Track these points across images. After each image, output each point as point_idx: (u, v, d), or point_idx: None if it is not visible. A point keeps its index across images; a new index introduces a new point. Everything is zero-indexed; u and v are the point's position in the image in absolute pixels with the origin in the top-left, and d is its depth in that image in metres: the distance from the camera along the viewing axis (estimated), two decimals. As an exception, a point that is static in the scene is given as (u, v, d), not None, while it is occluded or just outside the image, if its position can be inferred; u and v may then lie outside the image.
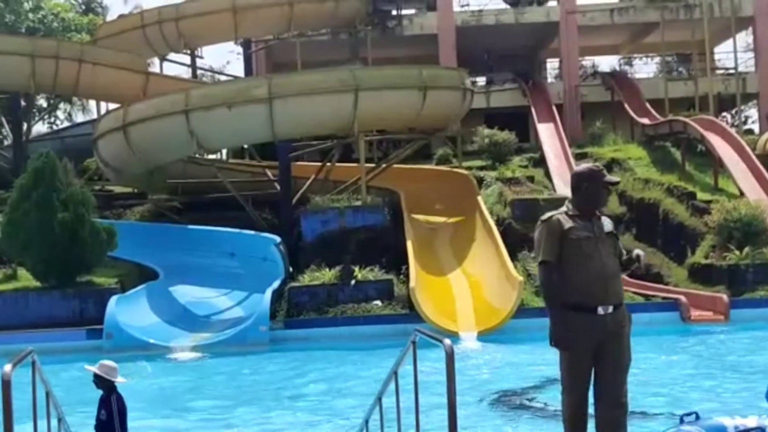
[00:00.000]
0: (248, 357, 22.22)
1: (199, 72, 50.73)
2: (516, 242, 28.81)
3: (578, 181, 8.13)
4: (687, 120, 38.24)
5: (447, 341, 6.73)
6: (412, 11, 52.96)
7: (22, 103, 42.92)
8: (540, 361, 19.12)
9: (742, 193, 31.88)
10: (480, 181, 34.91)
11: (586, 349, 7.77)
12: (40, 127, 51.15)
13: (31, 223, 26.73)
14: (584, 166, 8.51)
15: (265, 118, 30.29)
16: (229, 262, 29.63)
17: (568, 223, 7.90)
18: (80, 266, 27.55)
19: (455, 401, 6.47)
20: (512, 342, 22.37)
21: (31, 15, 49.41)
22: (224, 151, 40.64)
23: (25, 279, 28.48)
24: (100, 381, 9.45)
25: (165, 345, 23.43)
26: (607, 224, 8.12)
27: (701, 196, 32.76)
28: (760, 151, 36.06)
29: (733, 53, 47.57)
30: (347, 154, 36.29)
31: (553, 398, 14.62)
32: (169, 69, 52.09)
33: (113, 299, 24.77)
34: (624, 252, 8.16)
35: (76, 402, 16.07)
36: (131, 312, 24.72)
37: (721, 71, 54.24)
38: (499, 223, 30.00)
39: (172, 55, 47.92)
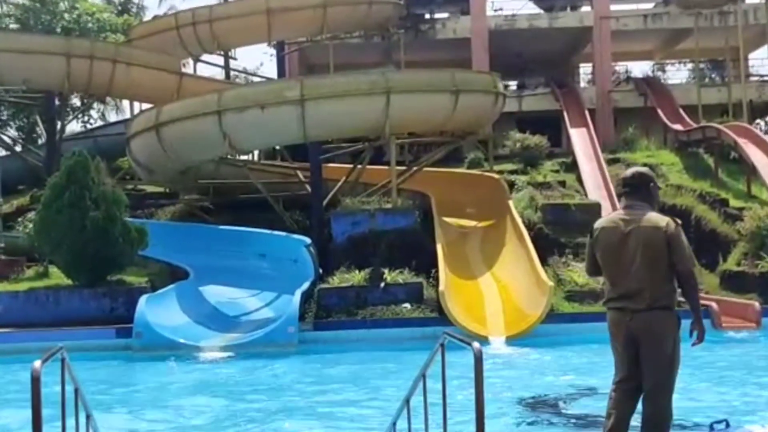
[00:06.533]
0: (276, 358, 22.21)
1: (232, 73, 50.83)
2: (547, 247, 28.73)
3: (647, 179, 8.11)
4: (720, 127, 38.06)
5: (476, 344, 6.71)
6: (445, 15, 53.15)
7: (57, 102, 43.08)
8: (569, 367, 19.08)
9: (775, 201, 31.78)
10: (511, 185, 34.74)
11: None
12: (73, 126, 51.42)
13: (63, 221, 26.76)
14: (642, 167, 8.55)
15: (297, 120, 30.27)
16: (259, 263, 29.59)
17: None
18: (111, 265, 27.57)
19: (483, 404, 6.45)
20: (541, 347, 22.30)
21: (66, 15, 49.62)
22: (256, 152, 40.76)
23: (57, 277, 28.59)
24: None
25: (194, 344, 23.43)
26: None
27: (734, 203, 32.60)
28: (795, 158, 35.85)
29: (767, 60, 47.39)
30: (378, 156, 36.28)
31: (583, 404, 14.58)
32: (203, 70, 52.33)
33: (143, 298, 24.76)
34: None
35: (106, 399, 16.19)
36: (161, 311, 24.70)
37: (755, 78, 54.04)
38: (530, 227, 29.85)
39: (205, 57, 48.09)
